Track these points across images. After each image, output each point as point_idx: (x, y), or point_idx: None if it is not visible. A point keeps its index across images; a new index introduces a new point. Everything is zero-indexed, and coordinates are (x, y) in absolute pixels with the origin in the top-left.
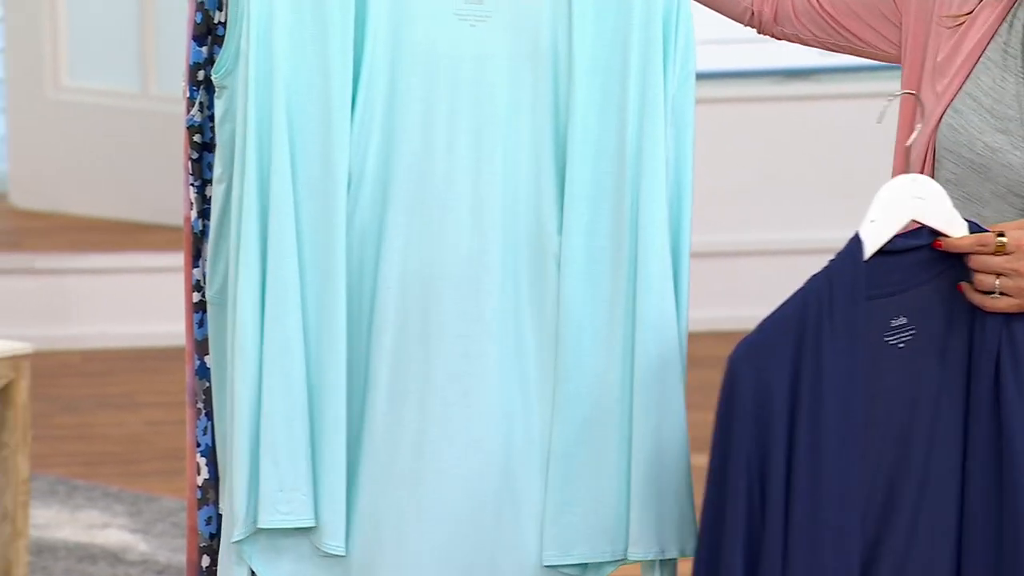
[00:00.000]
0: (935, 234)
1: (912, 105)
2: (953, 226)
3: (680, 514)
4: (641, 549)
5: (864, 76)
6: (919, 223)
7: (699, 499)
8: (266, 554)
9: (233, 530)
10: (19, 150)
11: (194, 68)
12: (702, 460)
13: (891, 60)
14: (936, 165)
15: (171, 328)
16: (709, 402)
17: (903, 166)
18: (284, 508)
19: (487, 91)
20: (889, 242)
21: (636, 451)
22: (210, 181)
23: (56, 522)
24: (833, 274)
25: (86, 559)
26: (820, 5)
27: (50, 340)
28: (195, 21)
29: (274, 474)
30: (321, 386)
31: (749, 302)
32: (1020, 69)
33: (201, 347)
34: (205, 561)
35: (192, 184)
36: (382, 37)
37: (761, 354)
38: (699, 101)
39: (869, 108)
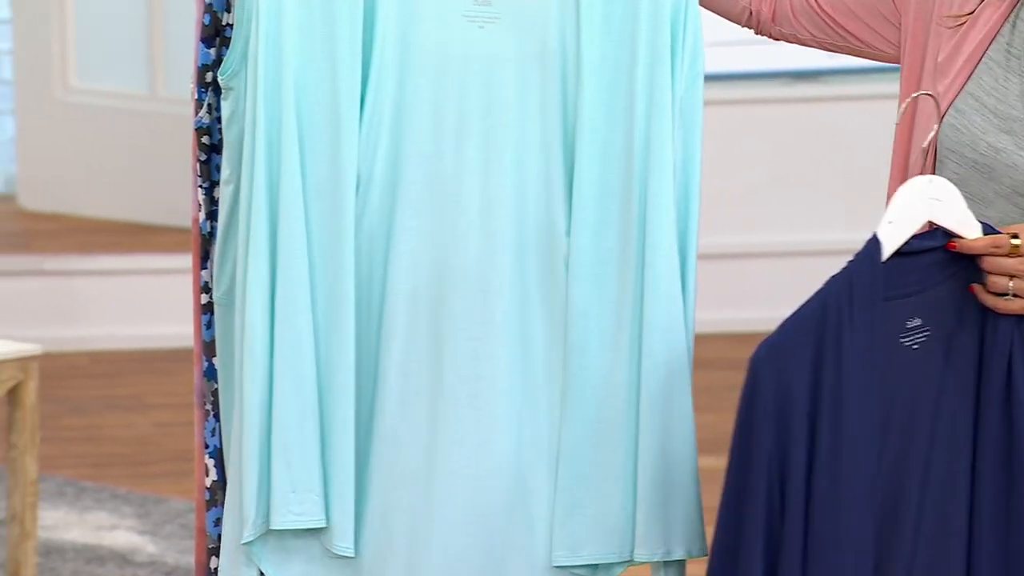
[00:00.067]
0: (949, 235)
1: (912, 107)
2: (967, 227)
3: (687, 515)
4: (647, 550)
5: (872, 78)
6: (934, 224)
7: (707, 500)
8: (276, 555)
9: (243, 531)
10: (27, 152)
11: (202, 70)
12: (710, 462)
13: (889, 60)
14: (938, 166)
15: (179, 330)
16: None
17: (903, 167)
18: (297, 509)
19: (496, 93)
20: (905, 243)
21: (643, 452)
22: (218, 183)
23: (64, 523)
24: (852, 275)
25: (94, 560)
26: (819, 5)
27: (58, 342)
28: (203, 23)
29: (287, 475)
30: (330, 387)
31: (757, 304)
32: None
33: (209, 349)
34: (214, 563)
35: (200, 186)
36: (391, 39)
37: (782, 355)
38: (707, 103)
39: (877, 110)
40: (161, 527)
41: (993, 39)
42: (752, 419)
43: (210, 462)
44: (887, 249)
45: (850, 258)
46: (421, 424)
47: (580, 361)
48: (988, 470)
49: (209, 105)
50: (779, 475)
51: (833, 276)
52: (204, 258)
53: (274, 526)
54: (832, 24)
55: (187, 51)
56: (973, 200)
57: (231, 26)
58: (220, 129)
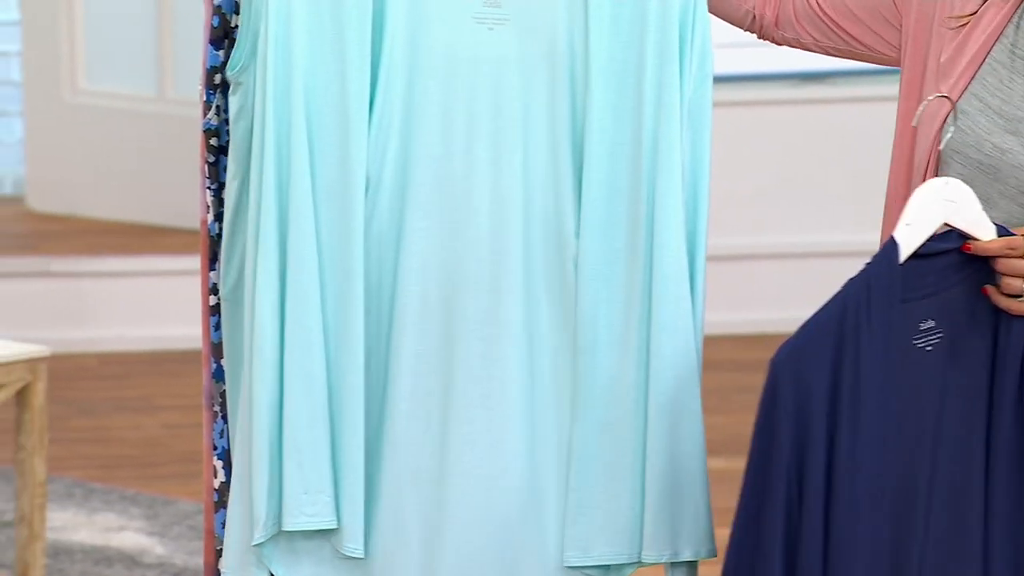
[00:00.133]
0: (964, 237)
1: (913, 110)
2: (982, 229)
3: (695, 517)
4: (654, 552)
5: (881, 80)
6: (949, 226)
7: (715, 502)
8: (286, 557)
9: (254, 533)
10: (36, 153)
11: (211, 72)
12: (718, 463)
13: (890, 64)
14: (942, 167)
15: (188, 331)
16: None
17: (907, 170)
18: (309, 510)
19: (505, 94)
20: (922, 245)
21: (651, 454)
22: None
23: (73, 525)
24: (871, 278)
25: (102, 562)
26: (820, 8)
27: (67, 343)
28: (212, 25)
29: (299, 477)
30: (340, 389)
31: (765, 305)
32: None
33: (218, 350)
34: (222, 564)
35: (209, 187)
36: (400, 41)
37: (802, 358)
38: (715, 104)
39: (885, 112)
40: (169, 528)
41: (997, 40)
42: (772, 422)
43: (219, 464)
44: (904, 251)
45: (859, 259)
46: (433, 425)
47: (589, 362)
48: (1001, 471)
49: (218, 107)
50: (798, 476)
51: (852, 278)
52: (212, 260)
53: (286, 527)
54: (834, 27)
55: (195, 53)
56: None
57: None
58: (228, 131)
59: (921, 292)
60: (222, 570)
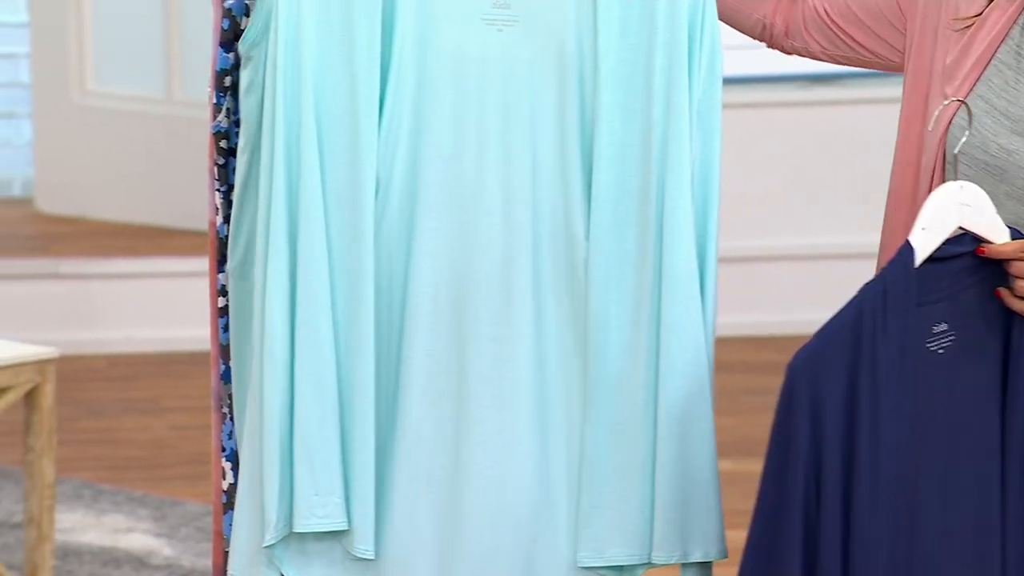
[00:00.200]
0: (978, 240)
1: (928, 113)
2: (996, 232)
3: (706, 519)
4: (664, 553)
5: (891, 81)
6: (964, 229)
7: (723, 504)
8: (297, 559)
9: (264, 534)
10: (45, 155)
11: (220, 74)
12: (727, 465)
13: (896, 70)
14: (948, 168)
15: (196, 333)
16: (735, 407)
17: (914, 172)
18: (320, 512)
19: (514, 96)
20: (937, 249)
21: (661, 455)
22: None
23: (81, 526)
24: (887, 282)
25: (111, 563)
26: (828, 15)
27: (75, 344)
28: (222, 27)
29: (310, 478)
30: (350, 390)
31: (775, 307)
32: None
33: (226, 352)
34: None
35: (217, 189)
36: (410, 42)
37: (819, 362)
38: (724, 106)
39: (895, 114)
40: (177, 530)
41: (1002, 41)
42: (789, 425)
43: (227, 465)
44: (920, 255)
45: (869, 261)
46: (445, 426)
47: (599, 363)
48: (1015, 472)
49: (227, 109)
50: (815, 478)
51: (868, 283)
52: (221, 261)
53: (298, 529)
54: (841, 34)
55: (204, 55)
56: None
57: None
58: (237, 132)
59: (936, 295)
60: (230, 572)
